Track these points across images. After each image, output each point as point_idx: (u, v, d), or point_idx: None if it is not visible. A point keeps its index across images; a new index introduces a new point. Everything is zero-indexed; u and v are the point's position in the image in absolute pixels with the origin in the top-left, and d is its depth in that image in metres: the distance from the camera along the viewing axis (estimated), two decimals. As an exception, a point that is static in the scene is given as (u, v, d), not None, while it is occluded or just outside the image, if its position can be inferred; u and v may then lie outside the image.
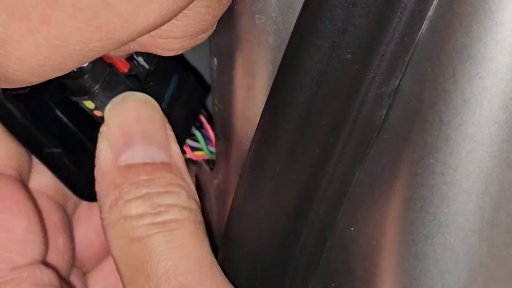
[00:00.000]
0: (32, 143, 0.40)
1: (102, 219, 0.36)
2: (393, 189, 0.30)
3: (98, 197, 0.37)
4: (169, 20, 0.28)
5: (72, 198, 0.43)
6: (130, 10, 0.26)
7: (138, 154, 0.36)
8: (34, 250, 0.38)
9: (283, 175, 0.32)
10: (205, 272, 0.35)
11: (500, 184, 0.28)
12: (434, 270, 0.30)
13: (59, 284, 0.38)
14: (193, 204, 0.36)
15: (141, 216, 0.35)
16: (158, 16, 0.27)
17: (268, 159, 0.32)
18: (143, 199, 0.36)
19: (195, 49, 0.41)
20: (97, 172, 0.37)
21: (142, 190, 0.36)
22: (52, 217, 0.41)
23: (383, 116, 0.30)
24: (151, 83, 0.38)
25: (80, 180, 0.41)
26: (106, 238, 0.36)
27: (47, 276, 0.37)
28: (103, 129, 0.37)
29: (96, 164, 0.37)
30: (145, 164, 0.36)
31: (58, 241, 0.41)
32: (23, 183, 0.40)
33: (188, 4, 0.28)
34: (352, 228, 0.33)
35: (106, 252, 0.44)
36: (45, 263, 0.39)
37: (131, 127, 0.36)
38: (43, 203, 0.41)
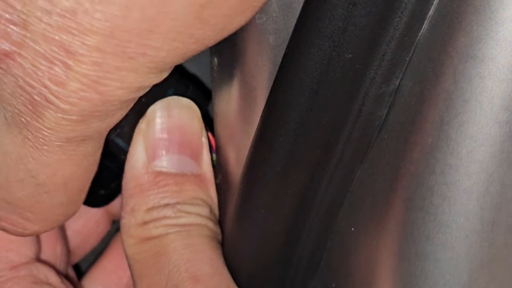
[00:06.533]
0: None
1: (121, 216, 0.37)
2: (393, 189, 0.30)
3: (123, 192, 0.37)
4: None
5: None
6: (224, 23, 0.28)
7: (171, 162, 0.37)
8: (29, 249, 0.38)
9: (283, 175, 0.32)
10: (215, 270, 0.36)
11: (500, 184, 0.28)
12: (435, 270, 0.30)
13: (56, 280, 0.38)
14: (213, 217, 0.37)
15: (161, 219, 0.36)
16: (239, 25, 0.28)
17: (268, 158, 0.32)
18: (167, 207, 0.36)
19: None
20: (128, 169, 0.37)
21: (168, 200, 0.36)
22: None
23: (384, 116, 0.30)
24: (143, 100, 0.37)
25: None
26: (121, 234, 0.37)
27: (44, 273, 0.38)
28: (142, 126, 0.37)
29: (128, 159, 0.37)
30: (176, 174, 0.37)
31: (56, 249, 0.41)
32: None
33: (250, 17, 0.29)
34: (352, 228, 0.33)
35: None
36: (40, 261, 0.39)
37: (171, 134, 0.37)
38: None
